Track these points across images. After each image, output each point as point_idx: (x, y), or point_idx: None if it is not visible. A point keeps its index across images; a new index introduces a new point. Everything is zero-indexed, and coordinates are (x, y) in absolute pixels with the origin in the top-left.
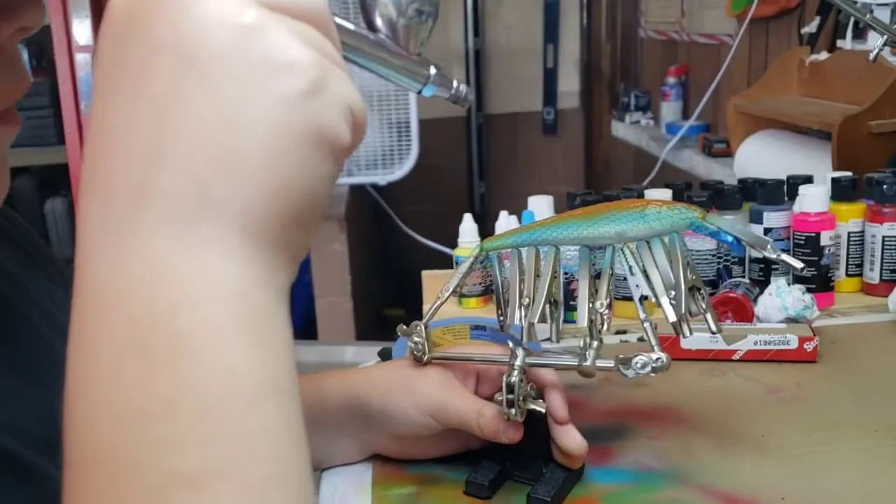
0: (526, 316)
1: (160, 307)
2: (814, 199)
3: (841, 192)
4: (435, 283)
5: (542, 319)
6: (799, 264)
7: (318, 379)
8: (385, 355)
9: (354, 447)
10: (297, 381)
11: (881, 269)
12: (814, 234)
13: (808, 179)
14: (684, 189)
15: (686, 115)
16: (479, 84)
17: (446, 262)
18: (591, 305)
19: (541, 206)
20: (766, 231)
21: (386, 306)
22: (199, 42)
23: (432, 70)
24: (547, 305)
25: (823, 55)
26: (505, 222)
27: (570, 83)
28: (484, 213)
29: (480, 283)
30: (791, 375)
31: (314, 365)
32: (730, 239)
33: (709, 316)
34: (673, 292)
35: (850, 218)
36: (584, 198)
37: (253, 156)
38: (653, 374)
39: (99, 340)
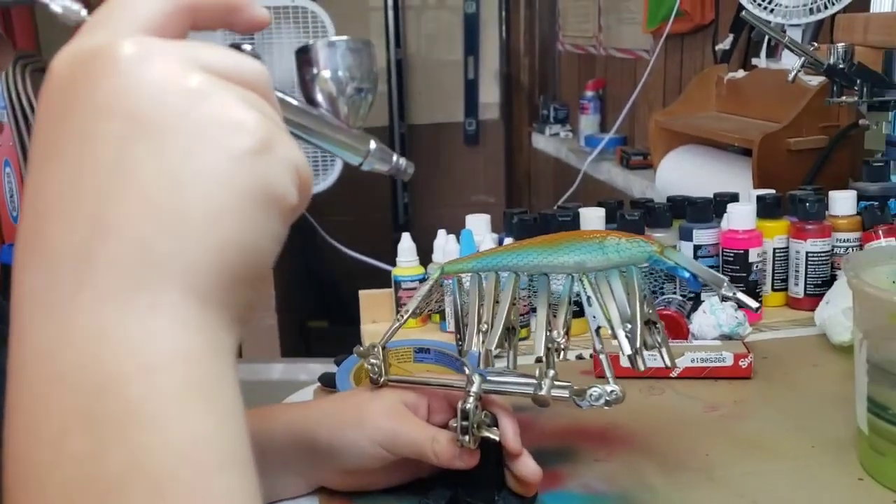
0: (484, 342)
1: (108, 377)
2: (741, 216)
3: (766, 209)
4: (373, 303)
5: (500, 345)
6: (755, 304)
7: (266, 413)
8: (326, 380)
9: (301, 482)
10: (250, 447)
11: (805, 284)
12: (742, 251)
13: (735, 197)
14: (616, 207)
15: (604, 127)
16: (400, 95)
17: (370, 274)
18: (548, 334)
19: (479, 224)
20: (696, 248)
21: (309, 318)
22: (148, 106)
23: (372, 145)
24: (505, 332)
25: (741, 73)
26: (443, 241)
27: (490, 95)
28: (408, 224)
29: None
30: (728, 392)
31: (242, 384)
32: (687, 275)
33: (664, 350)
34: (629, 325)
35: (776, 235)
36: (521, 216)
37: (197, 213)
38: (606, 408)
39: (40, 415)
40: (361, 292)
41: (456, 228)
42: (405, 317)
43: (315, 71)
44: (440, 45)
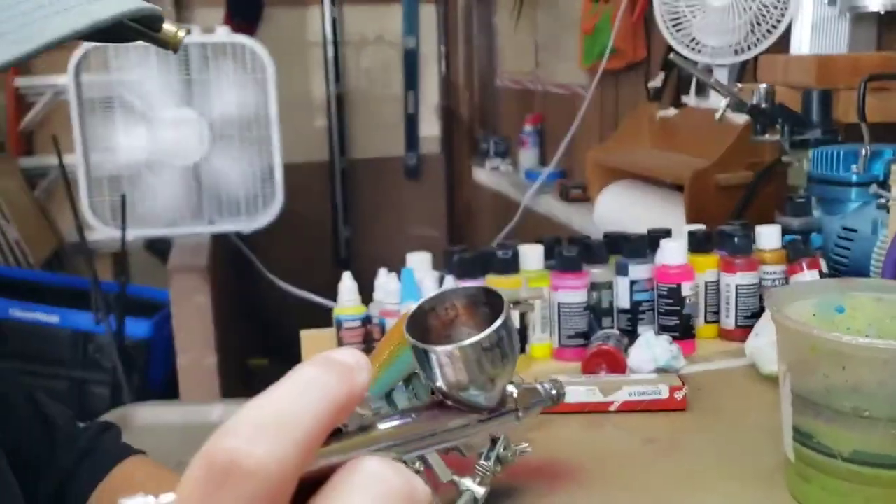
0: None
1: None
2: (673, 252)
3: (697, 244)
4: (315, 343)
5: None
6: None
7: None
8: None
9: None
10: None
11: (736, 316)
12: (675, 286)
13: (668, 233)
14: (555, 243)
15: (543, 161)
16: (341, 129)
17: (311, 310)
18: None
19: (420, 263)
20: (633, 283)
21: (250, 357)
22: None
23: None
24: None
25: (672, 111)
26: (384, 279)
27: (431, 129)
28: (349, 258)
29: (361, 343)
30: (664, 424)
31: (178, 427)
32: None
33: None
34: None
35: (707, 269)
36: (462, 254)
37: None
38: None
39: None
40: (303, 332)
41: (397, 263)
42: None
43: (438, 383)
44: (380, 79)
